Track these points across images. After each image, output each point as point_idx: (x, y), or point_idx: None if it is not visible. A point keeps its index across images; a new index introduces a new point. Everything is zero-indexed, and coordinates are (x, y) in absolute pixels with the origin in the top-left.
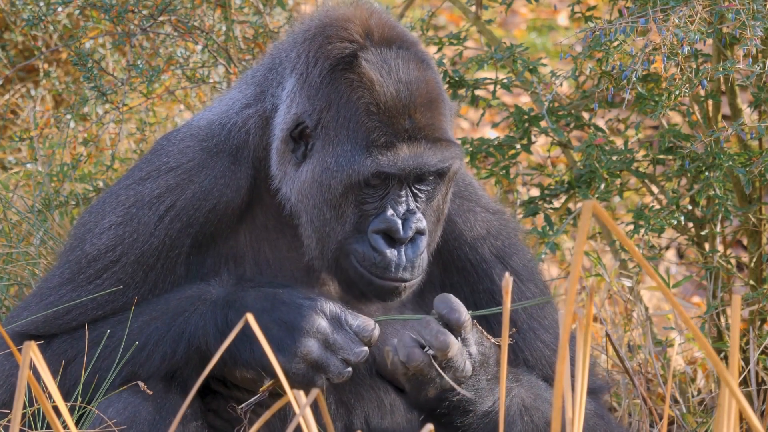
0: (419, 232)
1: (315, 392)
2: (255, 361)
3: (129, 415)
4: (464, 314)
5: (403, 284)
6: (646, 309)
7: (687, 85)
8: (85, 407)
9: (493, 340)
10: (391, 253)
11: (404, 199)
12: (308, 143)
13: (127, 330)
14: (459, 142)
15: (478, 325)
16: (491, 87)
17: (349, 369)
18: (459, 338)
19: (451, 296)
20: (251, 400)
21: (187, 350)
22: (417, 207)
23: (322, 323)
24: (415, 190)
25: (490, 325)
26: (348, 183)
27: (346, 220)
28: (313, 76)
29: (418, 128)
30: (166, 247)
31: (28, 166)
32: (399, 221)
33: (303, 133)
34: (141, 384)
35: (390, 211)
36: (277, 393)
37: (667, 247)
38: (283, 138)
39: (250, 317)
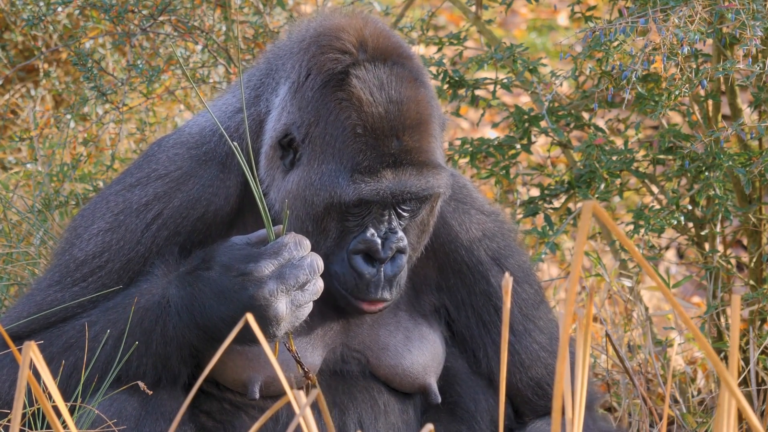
0: (400, 251)
1: (315, 392)
2: (240, 334)
3: (115, 412)
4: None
5: (381, 305)
6: (646, 309)
7: (687, 85)
8: (82, 406)
9: None
10: (369, 272)
11: (386, 218)
12: (297, 152)
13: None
14: (447, 165)
15: None
16: (491, 87)
17: (309, 261)
18: None
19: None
20: (298, 361)
21: (179, 358)
22: (399, 225)
23: (263, 260)
24: (399, 210)
25: (486, 327)
26: (329, 203)
27: (327, 235)
28: (305, 88)
29: (405, 151)
30: (153, 255)
31: (28, 166)
32: (379, 241)
33: (292, 142)
34: (141, 384)
35: (371, 231)
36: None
37: (667, 247)
38: (273, 144)
39: (249, 317)
